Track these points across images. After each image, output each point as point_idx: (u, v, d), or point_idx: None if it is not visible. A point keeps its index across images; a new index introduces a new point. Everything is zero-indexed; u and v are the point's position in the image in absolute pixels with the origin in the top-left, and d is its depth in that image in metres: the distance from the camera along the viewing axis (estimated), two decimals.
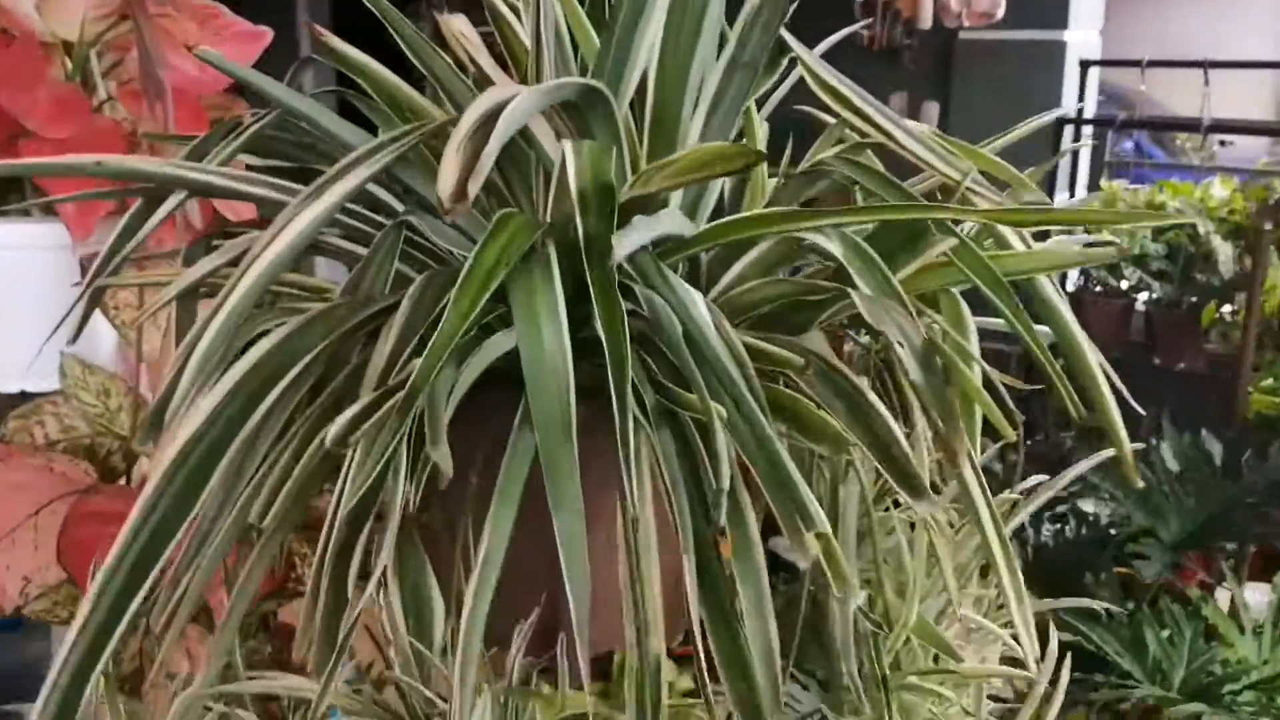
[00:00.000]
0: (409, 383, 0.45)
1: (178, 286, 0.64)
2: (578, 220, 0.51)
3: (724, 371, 0.50)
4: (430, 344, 0.46)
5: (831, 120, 0.73)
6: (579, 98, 0.58)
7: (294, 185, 0.63)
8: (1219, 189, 3.11)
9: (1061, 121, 3.47)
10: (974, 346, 0.70)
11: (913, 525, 0.77)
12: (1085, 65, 3.51)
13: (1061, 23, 3.59)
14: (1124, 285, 3.18)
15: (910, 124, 0.65)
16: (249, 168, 0.73)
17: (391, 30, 0.68)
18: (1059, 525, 1.84)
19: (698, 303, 0.52)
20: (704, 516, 0.49)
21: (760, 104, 0.73)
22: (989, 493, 0.51)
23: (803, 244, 0.64)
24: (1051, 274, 0.64)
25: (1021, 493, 0.76)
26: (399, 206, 0.66)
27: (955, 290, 0.69)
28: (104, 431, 1.03)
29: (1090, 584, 1.61)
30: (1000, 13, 3.13)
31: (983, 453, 0.79)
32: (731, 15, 0.64)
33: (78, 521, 0.82)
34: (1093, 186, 3.64)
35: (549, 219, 0.57)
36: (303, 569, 0.89)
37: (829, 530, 0.45)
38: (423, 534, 0.56)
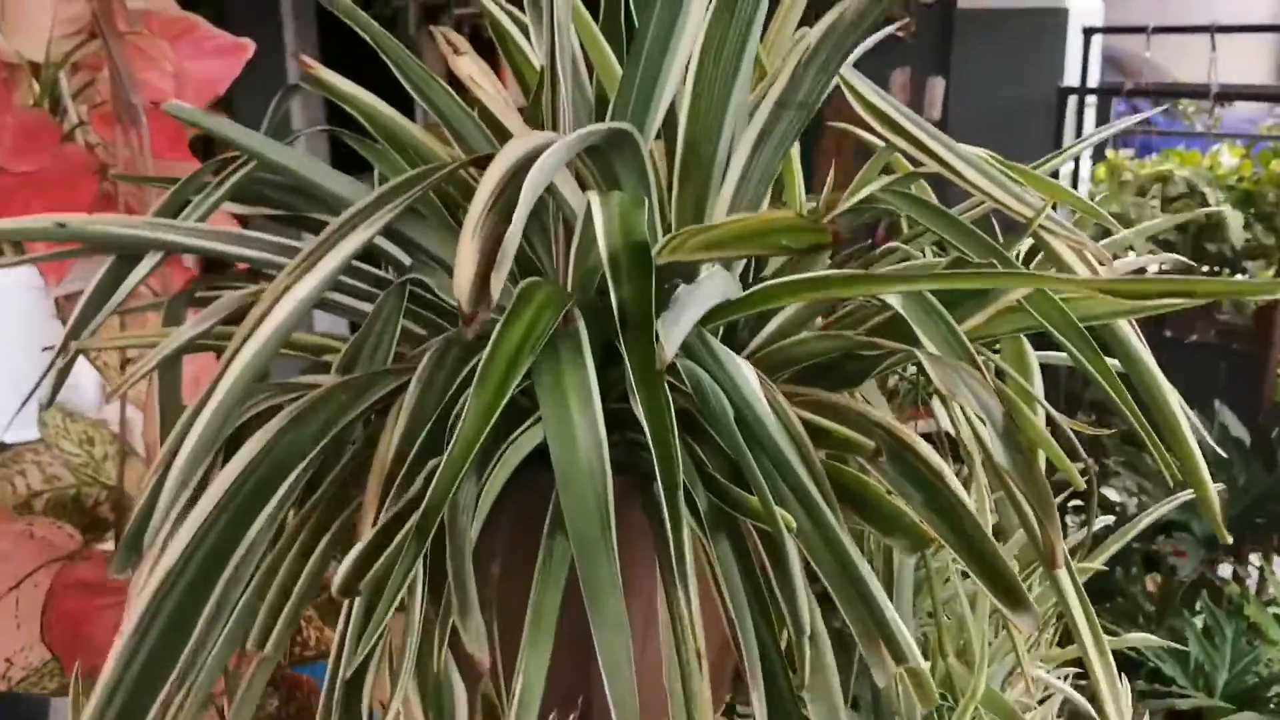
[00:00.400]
0: (424, 503, 0.38)
1: (158, 354, 0.57)
2: (611, 289, 0.45)
3: (783, 460, 0.43)
4: (448, 454, 0.39)
5: (868, 135, 0.66)
6: (604, 141, 0.51)
7: (281, 240, 0.57)
8: (1227, 156, 3.04)
9: (1064, 91, 3.40)
10: (1037, 387, 0.64)
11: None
12: (1089, 33, 3.43)
13: None
14: (1131, 255, 3.11)
15: (966, 150, 0.58)
16: (235, 216, 0.67)
17: (385, 57, 0.61)
18: (1081, 515, 1.78)
19: (749, 378, 0.46)
20: (768, 628, 0.43)
21: None
22: (1084, 593, 0.45)
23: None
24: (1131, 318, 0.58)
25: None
26: (404, 259, 0.59)
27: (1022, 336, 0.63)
28: (90, 481, 0.97)
29: (1121, 580, 1.56)
30: None
31: None
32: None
33: (62, 593, 0.76)
34: (1097, 156, 3.57)
35: (575, 283, 0.50)
36: (309, 631, 0.83)
37: (921, 664, 0.39)
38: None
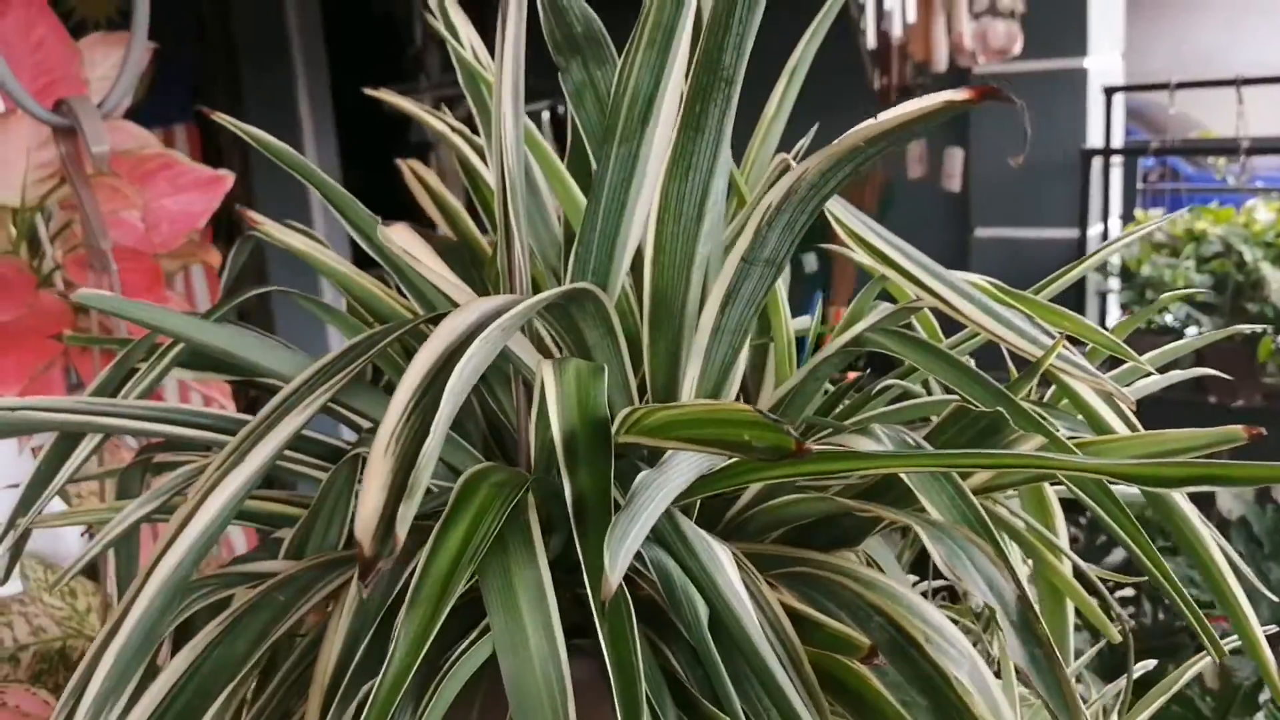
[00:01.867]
0: None
1: (106, 535, 0.53)
2: (564, 478, 0.40)
3: (766, 670, 0.38)
4: (375, 690, 0.34)
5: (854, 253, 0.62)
6: (562, 299, 0.47)
7: (225, 415, 0.53)
8: (1263, 212, 2.97)
9: (1088, 153, 3.34)
10: (1061, 533, 0.58)
11: None
12: (1110, 92, 3.39)
13: (1080, 49, 3.47)
14: (1169, 320, 3.04)
15: (960, 279, 0.53)
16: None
17: (331, 206, 0.57)
18: (1130, 609, 1.69)
19: (726, 568, 0.40)
20: None
21: None
22: None
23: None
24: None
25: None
26: (362, 424, 0.55)
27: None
28: (75, 634, 0.93)
29: (1173, 678, 1.46)
30: (1017, 47, 3.02)
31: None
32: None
33: None
34: (1126, 216, 3.50)
35: (536, 459, 0.46)
36: None
37: None
38: None
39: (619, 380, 0.51)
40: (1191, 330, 2.83)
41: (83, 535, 0.96)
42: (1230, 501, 1.66)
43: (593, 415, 0.42)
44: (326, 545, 0.50)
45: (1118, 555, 1.82)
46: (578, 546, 0.38)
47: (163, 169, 0.92)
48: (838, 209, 0.53)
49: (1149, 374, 0.62)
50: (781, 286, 0.60)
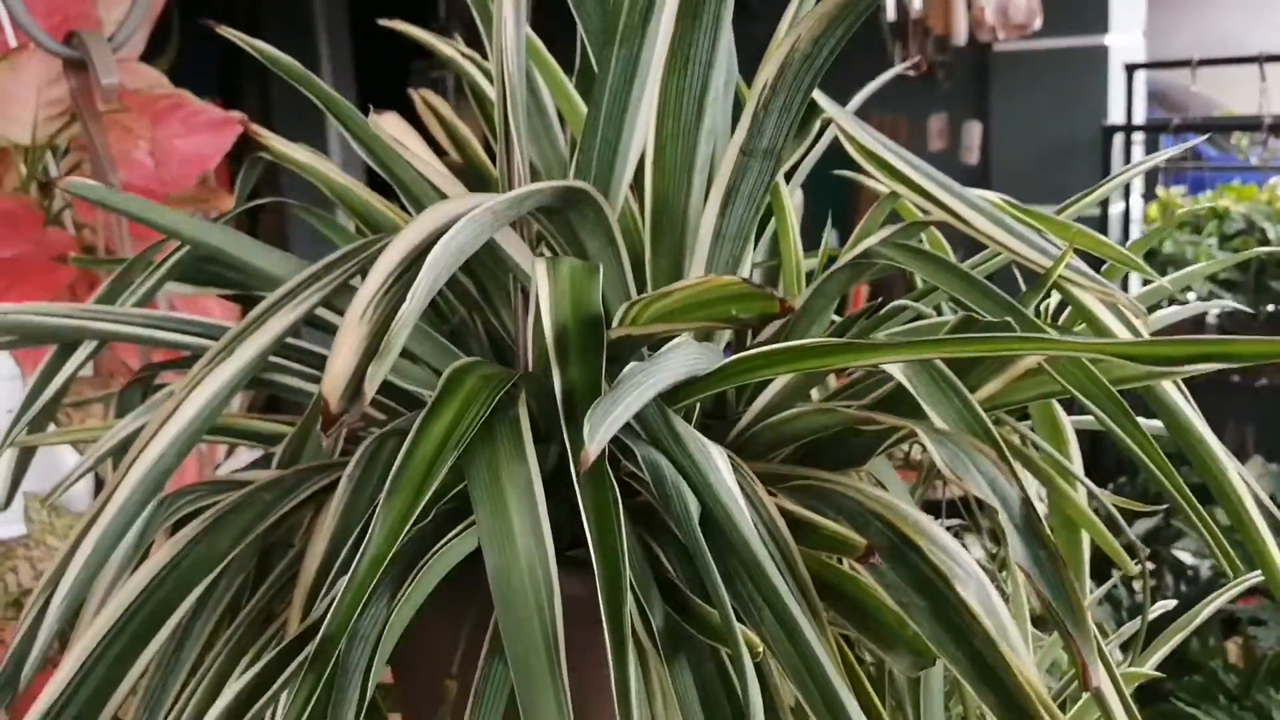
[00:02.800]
0: (320, 633, 0.32)
1: (97, 451, 0.52)
2: (555, 371, 0.39)
3: (758, 566, 0.37)
4: (350, 574, 0.33)
5: (877, 183, 0.60)
6: (556, 200, 0.46)
7: (219, 324, 0.52)
8: None
9: (1109, 129, 3.30)
10: (1075, 458, 0.57)
11: None
12: (1131, 69, 3.34)
13: (1102, 26, 3.42)
14: (1192, 298, 3.00)
15: (975, 194, 0.52)
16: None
17: (334, 118, 0.56)
18: (1154, 580, 1.67)
19: (719, 467, 0.39)
20: None
21: (793, 169, 0.60)
22: (1133, 710, 0.38)
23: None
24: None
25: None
26: None
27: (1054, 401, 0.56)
28: None
29: (1197, 652, 1.44)
30: (1038, 23, 2.98)
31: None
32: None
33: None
34: (1148, 195, 3.46)
35: (533, 362, 0.45)
36: None
37: None
38: None
39: (619, 292, 0.50)
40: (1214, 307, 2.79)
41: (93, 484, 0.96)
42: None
43: (586, 311, 0.41)
44: (322, 457, 0.49)
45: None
46: (564, 435, 0.37)
47: (174, 109, 0.91)
48: (846, 123, 0.52)
49: (1164, 307, 0.61)
50: (792, 212, 0.59)
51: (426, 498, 0.35)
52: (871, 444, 0.51)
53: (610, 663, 0.33)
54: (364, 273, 0.55)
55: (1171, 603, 0.64)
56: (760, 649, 0.34)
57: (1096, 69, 3.37)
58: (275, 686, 0.33)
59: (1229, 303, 0.66)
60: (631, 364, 0.37)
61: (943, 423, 0.44)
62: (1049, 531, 0.38)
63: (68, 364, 0.54)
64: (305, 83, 0.57)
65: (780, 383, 0.50)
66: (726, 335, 0.52)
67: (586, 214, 0.47)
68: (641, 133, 0.49)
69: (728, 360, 0.42)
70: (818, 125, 0.57)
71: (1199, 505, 0.46)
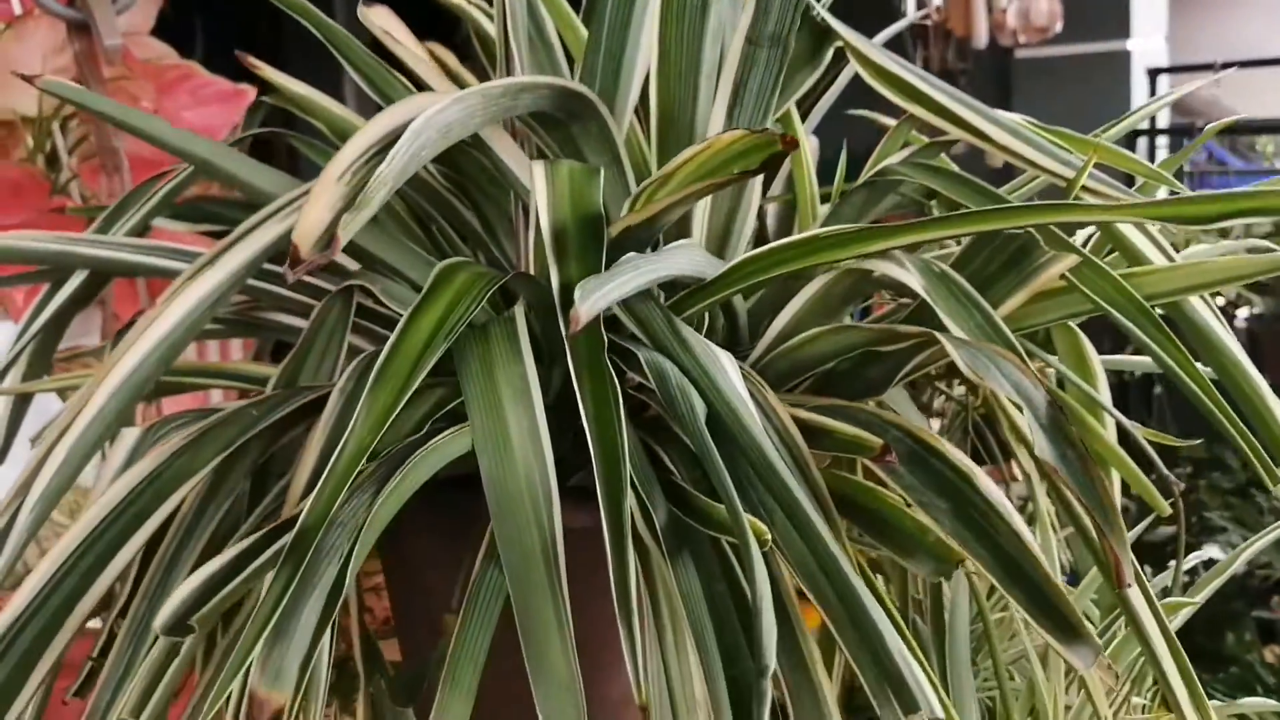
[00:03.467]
0: (298, 523, 0.30)
1: (89, 389, 0.51)
2: (551, 267, 0.37)
3: (766, 464, 0.34)
4: (332, 463, 0.31)
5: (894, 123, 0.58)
6: (557, 108, 0.44)
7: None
8: None
9: (1133, 134, 3.27)
10: (1104, 392, 0.54)
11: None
12: (1153, 74, 3.31)
13: (1124, 32, 3.40)
14: (1220, 301, 2.95)
15: (1000, 113, 0.50)
16: None
17: (320, 36, 0.55)
18: (1187, 578, 1.63)
19: (725, 368, 0.37)
20: (742, 673, 0.34)
21: (804, 114, 0.58)
22: (1173, 635, 0.35)
23: (871, 277, 0.49)
24: (1206, 294, 0.48)
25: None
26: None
27: (1072, 321, 0.53)
28: None
29: (1232, 646, 1.40)
30: (1059, 26, 2.96)
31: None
32: None
33: None
34: None
35: (536, 273, 0.43)
36: None
37: (946, 710, 0.29)
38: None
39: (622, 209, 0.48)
40: (1243, 311, 2.75)
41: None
42: None
43: (585, 210, 0.39)
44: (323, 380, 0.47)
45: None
46: (563, 328, 0.35)
47: (183, 80, 0.91)
48: (858, 43, 0.50)
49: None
50: (807, 143, 0.57)
51: (410, 392, 0.33)
52: (890, 370, 0.48)
53: (608, 555, 0.30)
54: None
55: (1213, 549, 0.61)
56: (769, 537, 0.31)
57: (1119, 73, 3.35)
58: (247, 573, 0.31)
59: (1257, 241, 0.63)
60: (630, 253, 0.35)
61: (964, 335, 0.42)
62: (1076, 432, 0.36)
63: (56, 297, 0.52)
64: (310, 18, 0.56)
65: (794, 309, 0.48)
66: None
67: (590, 128, 0.45)
68: (647, 48, 0.47)
69: (738, 260, 0.40)
70: (830, 54, 0.55)
71: (1240, 422, 0.43)
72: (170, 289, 0.40)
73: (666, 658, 0.36)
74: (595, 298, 0.30)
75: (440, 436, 0.35)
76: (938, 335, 0.39)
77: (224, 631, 0.42)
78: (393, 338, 0.34)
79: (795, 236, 0.38)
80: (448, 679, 0.32)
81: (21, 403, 0.61)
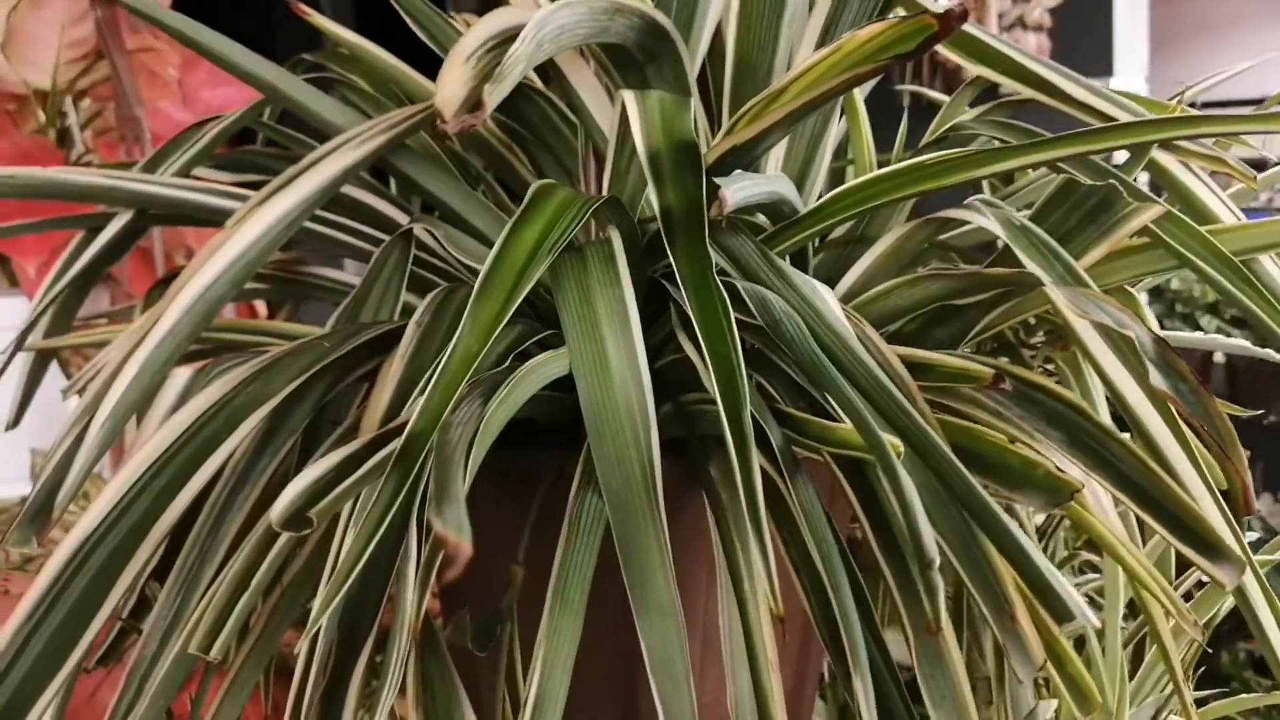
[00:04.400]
0: (408, 428, 0.29)
1: (125, 341, 0.49)
2: (652, 192, 0.36)
3: (881, 389, 0.33)
4: (439, 371, 0.30)
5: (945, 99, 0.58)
6: (636, 45, 0.43)
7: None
8: None
9: None
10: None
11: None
12: None
13: (1106, 70, 3.45)
14: (1199, 335, 2.98)
15: (1075, 76, 0.49)
16: None
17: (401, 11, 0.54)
18: None
19: (828, 301, 0.36)
20: (862, 606, 0.32)
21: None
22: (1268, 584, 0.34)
23: (944, 235, 0.48)
24: (1276, 254, 0.48)
25: None
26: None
27: (1132, 290, 0.53)
28: None
29: (1227, 666, 1.40)
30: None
31: None
32: None
33: None
34: None
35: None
36: None
37: (1094, 622, 0.28)
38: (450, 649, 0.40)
39: None
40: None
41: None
42: None
43: (680, 137, 0.38)
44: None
45: None
46: (670, 254, 0.34)
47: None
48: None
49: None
50: (863, 110, 0.56)
51: (515, 304, 0.32)
52: (958, 332, 0.47)
53: (736, 470, 0.29)
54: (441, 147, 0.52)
55: None
56: (901, 449, 0.30)
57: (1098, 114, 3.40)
58: (360, 473, 0.29)
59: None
60: (737, 171, 0.34)
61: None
62: (1187, 367, 0.35)
63: (91, 246, 0.50)
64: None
65: (865, 264, 0.47)
66: None
67: (665, 72, 0.44)
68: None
69: (831, 195, 0.39)
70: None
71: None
72: (238, 214, 0.39)
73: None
74: (736, 189, 0.29)
75: (535, 362, 0.34)
76: (1037, 273, 0.38)
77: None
78: (494, 250, 0.33)
79: (893, 168, 0.37)
80: (556, 600, 0.31)
81: (41, 362, 0.59)
